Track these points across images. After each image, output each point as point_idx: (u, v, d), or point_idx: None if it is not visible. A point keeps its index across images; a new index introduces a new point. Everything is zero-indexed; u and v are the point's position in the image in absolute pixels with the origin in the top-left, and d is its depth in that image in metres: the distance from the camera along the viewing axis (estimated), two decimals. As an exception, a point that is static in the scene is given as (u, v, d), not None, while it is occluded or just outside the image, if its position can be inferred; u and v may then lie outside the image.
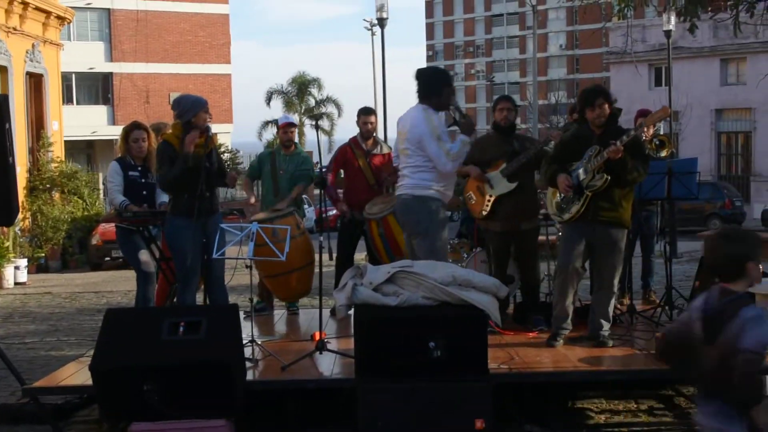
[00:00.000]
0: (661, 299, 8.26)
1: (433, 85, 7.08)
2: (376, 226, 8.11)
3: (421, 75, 7.17)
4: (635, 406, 6.84)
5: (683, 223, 23.78)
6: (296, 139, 9.35)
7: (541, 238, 8.66)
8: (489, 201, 7.66)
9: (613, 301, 7.04)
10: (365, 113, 8.94)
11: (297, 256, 7.92)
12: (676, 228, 10.28)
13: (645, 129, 8.23)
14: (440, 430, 5.38)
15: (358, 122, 8.95)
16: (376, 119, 9.07)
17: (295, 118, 54.25)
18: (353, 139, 8.98)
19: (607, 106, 6.83)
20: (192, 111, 7.08)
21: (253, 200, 9.33)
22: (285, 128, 9.18)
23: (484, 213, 7.70)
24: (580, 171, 6.81)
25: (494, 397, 5.52)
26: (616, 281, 6.99)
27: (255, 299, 9.02)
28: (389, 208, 8.03)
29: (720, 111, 38.22)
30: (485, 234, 7.90)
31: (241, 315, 6.93)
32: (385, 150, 8.93)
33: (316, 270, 7.05)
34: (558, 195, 7.07)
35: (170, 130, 8.18)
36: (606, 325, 6.93)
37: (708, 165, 35.81)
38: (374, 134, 9.03)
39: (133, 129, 7.87)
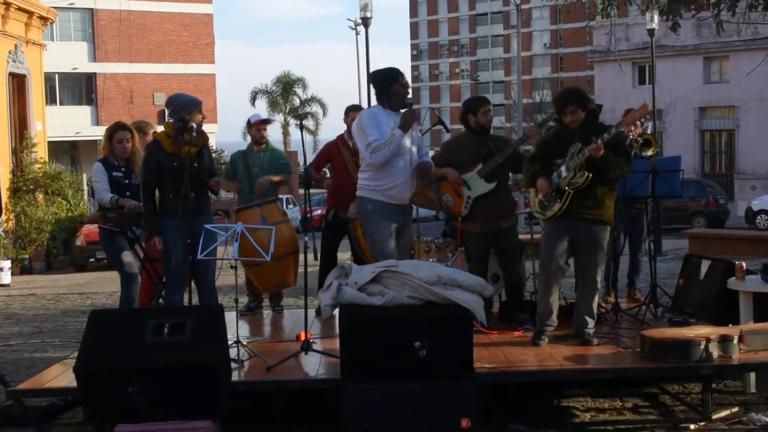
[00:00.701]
0: (646, 297, 8.30)
1: (383, 85, 7.17)
2: (360, 225, 8.11)
3: (373, 77, 7.35)
4: (620, 404, 6.85)
5: (668, 221, 23.88)
6: (268, 138, 9.31)
7: (526, 236, 8.67)
8: (468, 202, 7.66)
9: (596, 298, 7.07)
10: (354, 110, 8.94)
11: (281, 244, 7.88)
12: (661, 226, 10.33)
13: (632, 129, 8.28)
14: (426, 429, 5.38)
15: (346, 120, 8.92)
16: None
17: (279, 117, 54.35)
18: (340, 137, 8.96)
19: (579, 111, 6.83)
20: (186, 109, 7.06)
21: (235, 188, 9.25)
22: (258, 125, 9.13)
23: (463, 214, 7.70)
24: (563, 168, 6.83)
25: (480, 396, 5.52)
26: (599, 278, 7.01)
27: (247, 299, 9.03)
28: None
29: (703, 109, 38.40)
30: (465, 235, 7.88)
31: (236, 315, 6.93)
32: None
33: (301, 263, 7.03)
34: (541, 193, 7.08)
35: (152, 129, 8.17)
36: (591, 323, 6.95)
37: (692, 163, 35.97)
38: None
39: (117, 129, 7.83)
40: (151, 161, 7.05)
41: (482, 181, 7.61)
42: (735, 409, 6.40)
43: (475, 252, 7.76)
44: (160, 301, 7.62)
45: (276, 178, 8.84)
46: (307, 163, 7.55)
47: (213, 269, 7.26)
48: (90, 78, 39.21)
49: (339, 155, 8.84)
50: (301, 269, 7.63)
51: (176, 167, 6.97)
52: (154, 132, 7.40)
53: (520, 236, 8.37)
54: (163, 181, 7.07)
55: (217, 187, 7.38)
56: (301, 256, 7.01)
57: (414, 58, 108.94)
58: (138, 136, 7.99)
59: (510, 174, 7.87)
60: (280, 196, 9.37)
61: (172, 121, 7.14)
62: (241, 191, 9.12)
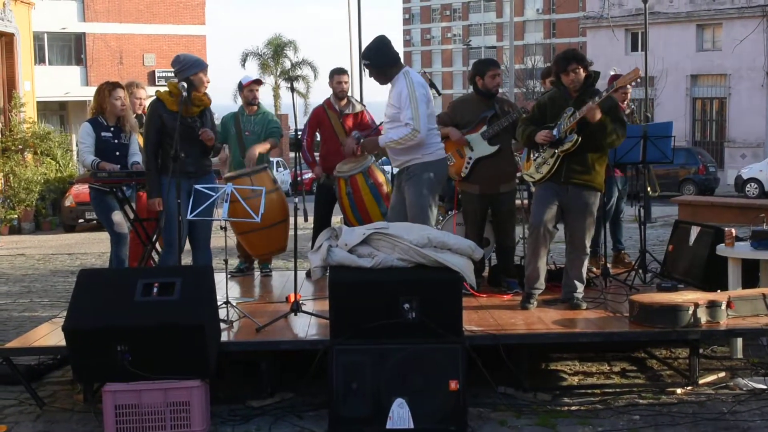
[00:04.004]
0: (635, 262, 8.33)
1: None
2: (344, 185, 8.11)
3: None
4: (608, 368, 6.90)
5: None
6: (260, 99, 9.25)
7: (516, 201, 8.67)
8: (468, 163, 7.66)
9: (586, 263, 7.08)
10: (338, 73, 8.92)
11: (271, 211, 7.88)
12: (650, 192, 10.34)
13: (624, 93, 8.30)
14: (414, 391, 5.40)
15: (331, 83, 8.91)
16: (349, 79, 9.03)
17: (270, 80, 54.04)
18: (327, 101, 8.94)
19: (581, 70, 6.80)
20: (193, 69, 7.04)
21: (224, 156, 9.20)
22: (250, 86, 9.05)
23: (463, 175, 7.71)
24: (554, 131, 6.80)
25: (468, 358, 5.54)
26: (588, 243, 7.01)
27: (239, 261, 9.04)
28: (359, 167, 8.05)
29: (695, 77, 38.32)
30: (463, 196, 7.91)
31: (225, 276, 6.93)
32: (358, 109, 8.91)
33: (291, 226, 7.02)
34: (532, 154, 7.06)
35: (140, 89, 8.13)
36: (580, 287, 6.97)
37: (683, 130, 35.98)
38: (348, 94, 8.99)
39: (115, 88, 7.78)
40: (154, 120, 7.03)
41: (485, 143, 7.61)
42: (721, 374, 6.45)
43: (472, 213, 7.78)
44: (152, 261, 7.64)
45: (263, 148, 8.77)
46: (298, 126, 7.52)
47: (207, 230, 7.25)
48: (79, 38, 38.82)
49: (326, 119, 8.83)
50: (291, 232, 7.62)
51: (180, 126, 6.92)
52: (157, 91, 7.35)
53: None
54: (163, 140, 7.05)
55: (208, 141, 7.32)
56: (292, 219, 7.00)
57: (406, 22, 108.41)
58: (128, 96, 7.96)
59: (513, 140, 7.84)
60: (271, 159, 9.34)
61: (176, 80, 7.10)
62: (232, 156, 9.09)
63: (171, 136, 6.96)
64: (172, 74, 7.34)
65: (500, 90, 8.07)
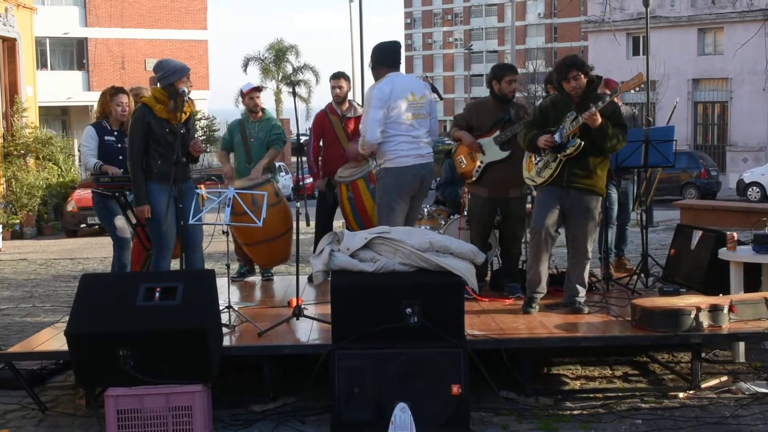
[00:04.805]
0: (637, 267, 8.32)
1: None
2: (346, 190, 8.13)
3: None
4: (610, 372, 6.89)
5: (659, 192, 23.90)
6: (262, 105, 9.25)
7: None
8: (480, 166, 7.67)
9: (588, 267, 7.07)
10: (334, 77, 8.95)
11: (276, 223, 7.92)
12: (653, 196, 10.35)
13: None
14: (416, 395, 5.40)
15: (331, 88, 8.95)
16: (347, 83, 9.01)
17: (272, 84, 54.08)
18: (329, 105, 8.95)
19: (582, 76, 6.80)
20: (176, 75, 6.99)
21: (228, 172, 9.21)
22: (250, 94, 9.08)
23: (474, 178, 7.71)
24: (556, 136, 6.80)
25: (470, 363, 5.54)
26: (590, 247, 7.00)
27: (239, 265, 9.05)
28: (360, 172, 8.07)
29: (697, 81, 38.35)
30: (471, 198, 7.90)
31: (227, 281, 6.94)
32: (360, 112, 8.91)
33: (294, 235, 7.04)
34: (534, 158, 7.06)
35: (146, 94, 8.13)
36: (582, 291, 6.96)
37: (684, 135, 35.98)
38: (349, 98, 8.99)
39: (117, 93, 7.81)
40: (140, 126, 6.99)
41: (497, 148, 7.62)
42: (724, 378, 6.44)
43: (478, 215, 7.76)
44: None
45: (265, 161, 8.78)
46: (300, 131, 7.55)
47: (201, 234, 7.25)
48: (81, 43, 38.92)
49: (329, 123, 8.84)
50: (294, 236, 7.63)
51: (168, 133, 6.94)
52: (142, 97, 7.35)
53: None
54: (150, 147, 7.02)
55: (197, 152, 7.31)
56: (295, 224, 7.00)
57: (407, 26, 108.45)
58: (134, 101, 7.96)
59: None
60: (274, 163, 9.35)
61: (160, 86, 7.08)
62: (237, 162, 9.11)
63: (159, 143, 6.95)
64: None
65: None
